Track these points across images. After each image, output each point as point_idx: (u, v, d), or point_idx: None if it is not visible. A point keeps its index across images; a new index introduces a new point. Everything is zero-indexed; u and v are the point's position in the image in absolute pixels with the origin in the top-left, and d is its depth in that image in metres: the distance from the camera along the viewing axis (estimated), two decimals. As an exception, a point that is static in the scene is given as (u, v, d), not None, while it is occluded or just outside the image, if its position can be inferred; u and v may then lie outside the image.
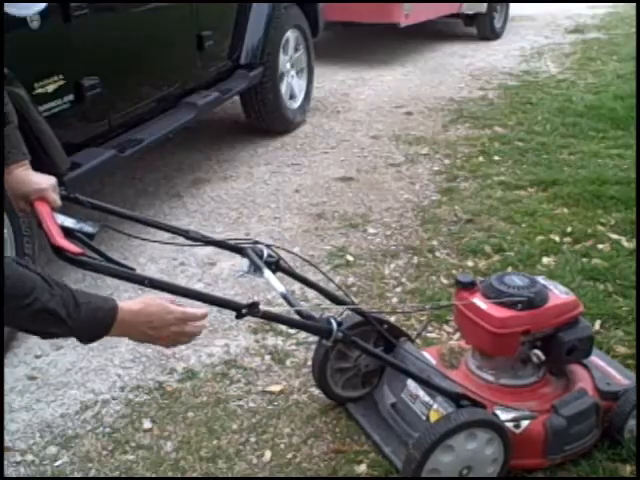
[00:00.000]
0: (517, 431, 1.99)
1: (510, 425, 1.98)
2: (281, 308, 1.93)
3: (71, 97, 3.00)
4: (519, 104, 5.66)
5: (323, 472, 2.14)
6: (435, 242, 3.50)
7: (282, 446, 2.24)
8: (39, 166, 1.84)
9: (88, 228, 1.69)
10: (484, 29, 8.21)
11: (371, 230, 3.65)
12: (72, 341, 2.76)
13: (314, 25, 5.29)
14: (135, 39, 3.51)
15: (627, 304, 2.88)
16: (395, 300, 3.00)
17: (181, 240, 1.98)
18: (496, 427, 1.93)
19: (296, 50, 5.12)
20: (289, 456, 2.20)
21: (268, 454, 2.20)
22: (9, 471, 2.14)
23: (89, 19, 3.08)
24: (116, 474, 2.15)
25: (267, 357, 2.67)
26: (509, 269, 3.18)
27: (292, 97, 5.14)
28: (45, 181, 1.74)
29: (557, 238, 3.47)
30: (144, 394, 2.48)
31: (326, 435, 2.28)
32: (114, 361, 2.65)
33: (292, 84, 5.11)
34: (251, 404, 2.42)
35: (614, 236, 3.48)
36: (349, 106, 5.75)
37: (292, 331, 2.80)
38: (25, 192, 1.71)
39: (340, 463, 2.16)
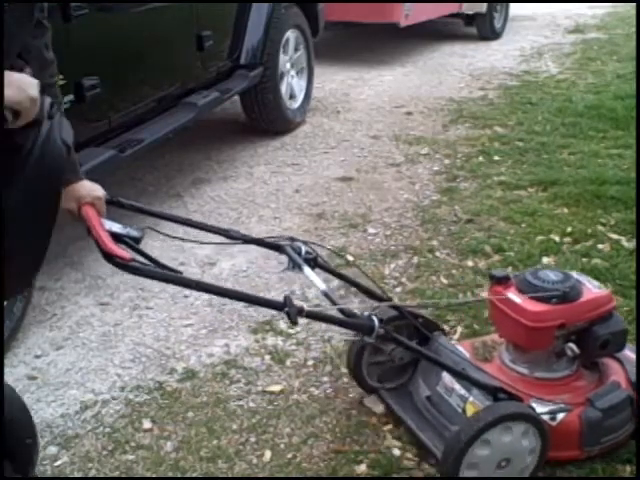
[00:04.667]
0: (553, 423, 2.02)
1: (546, 417, 2.01)
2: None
3: (71, 97, 3.00)
4: (519, 104, 5.66)
5: (323, 472, 2.14)
6: (435, 242, 3.50)
7: (282, 446, 2.24)
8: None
9: (134, 233, 1.71)
10: (484, 29, 8.21)
11: (371, 230, 3.65)
12: (72, 341, 2.77)
13: (314, 25, 5.29)
14: (135, 39, 3.51)
15: (627, 304, 2.88)
16: (395, 300, 2.99)
17: (221, 239, 2.03)
18: (534, 420, 1.96)
19: (296, 50, 5.12)
20: (289, 456, 2.20)
21: (268, 454, 2.21)
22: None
23: (89, 19, 3.08)
24: (116, 474, 2.15)
25: (267, 357, 2.67)
26: (509, 269, 3.18)
27: (292, 97, 5.14)
28: (99, 189, 1.75)
29: (557, 238, 3.47)
30: (144, 394, 2.48)
31: (326, 435, 2.28)
32: (114, 361, 2.65)
33: (292, 84, 5.11)
34: (251, 404, 2.42)
35: (614, 236, 3.48)
36: (349, 106, 5.75)
37: (292, 331, 2.80)
38: (80, 195, 1.70)
39: (340, 463, 2.16)
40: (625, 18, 9.30)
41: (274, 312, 2.92)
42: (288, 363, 2.64)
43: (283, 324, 2.85)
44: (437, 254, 3.38)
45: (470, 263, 3.28)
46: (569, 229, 3.55)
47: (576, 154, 4.54)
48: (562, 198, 3.90)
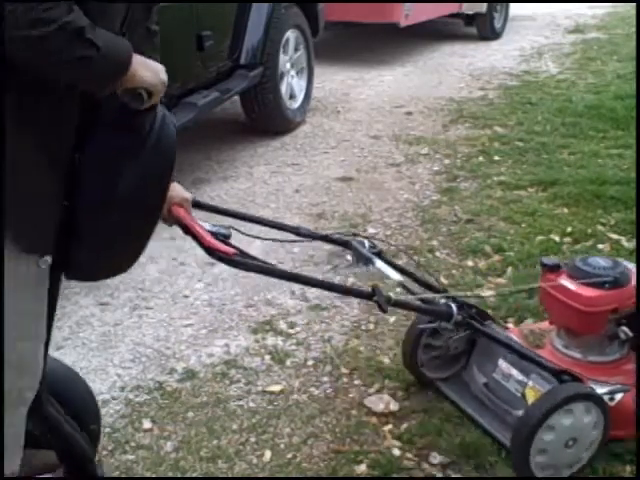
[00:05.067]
0: (611, 404, 2.09)
1: (605, 398, 2.08)
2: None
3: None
4: (519, 104, 5.66)
5: (323, 472, 2.14)
6: (435, 242, 3.50)
7: (282, 446, 2.24)
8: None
9: (223, 231, 1.83)
10: (484, 29, 8.21)
11: (371, 230, 3.65)
12: (72, 341, 2.77)
13: (314, 25, 5.29)
14: (135, 39, 3.51)
15: (627, 304, 2.88)
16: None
17: (292, 237, 2.15)
18: (599, 400, 2.04)
19: (296, 50, 5.12)
20: (289, 456, 2.20)
21: (268, 454, 2.20)
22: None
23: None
24: (116, 474, 2.15)
25: (267, 357, 2.67)
26: (509, 269, 3.18)
27: (292, 97, 5.14)
28: (186, 191, 1.82)
29: (557, 238, 3.47)
30: (144, 394, 2.48)
31: (326, 435, 2.28)
32: (114, 361, 2.65)
33: (292, 84, 5.11)
34: (251, 404, 2.42)
35: (614, 236, 3.48)
36: (349, 106, 5.75)
37: (292, 331, 2.81)
38: (169, 195, 1.74)
39: (340, 463, 2.16)
40: (625, 18, 9.30)
41: (274, 312, 2.93)
42: (288, 363, 2.64)
43: (283, 324, 2.85)
44: (437, 254, 3.38)
45: (470, 263, 3.28)
46: (569, 229, 3.55)
47: (576, 154, 4.54)
48: (562, 198, 3.90)
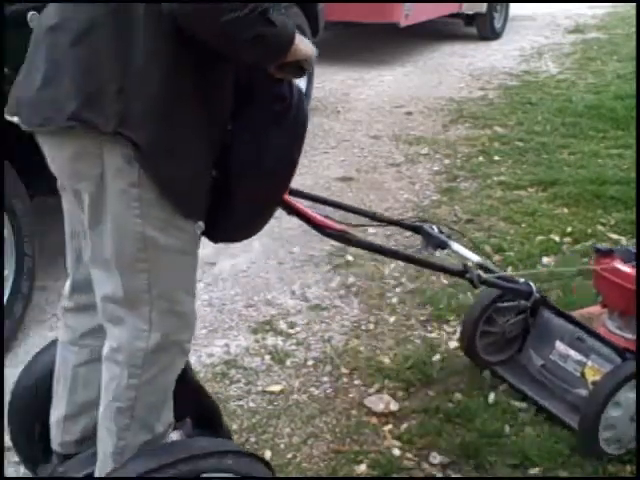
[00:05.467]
0: None
1: None
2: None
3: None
4: (519, 104, 5.67)
5: (323, 472, 2.14)
6: (435, 242, 3.50)
7: (282, 446, 2.24)
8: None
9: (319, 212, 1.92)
10: (484, 29, 8.22)
11: (371, 230, 3.64)
12: (72, 341, 2.76)
13: (314, 25, 5.28)
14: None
15: (627, 304, 2.88)
16: (395, 300, 3.00)
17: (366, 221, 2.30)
18: None
19: (296, 50, 5.11)
20: (289, 456, 2.20)
21: (268, 454, 2.20)
22: (9, 471, 2.14)
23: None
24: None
25: (267, 357, 2.67)
26: (509, 269, 3.18)
27: (292, 97, 5.13)
28: None
29: (557, 238, 3.47)
30: (144, 394, 2.47)
31: (326, 435, 2.28)
32: (114, 361, 2.65)
33: (292, 84, 5.10)
34: (251, 404, 2.42)
35: (614, 236, 3.48)
36: (349, 106, 5.75)
37: (292, 331, 2.81)
38: None
39: (340, 463, 2.16)
40: (625, 18, 9.31)
41: (274, 312, 2.93)
42: (288, 363, 2.63)
43: (283, 324, 2.85)
44: (437, 253, 3.37)
45: (470, 263, 3.27)
46: (569, 229, 3.55)
47: (576, 154, 4.54)
48: (562, 198, 3.90)
